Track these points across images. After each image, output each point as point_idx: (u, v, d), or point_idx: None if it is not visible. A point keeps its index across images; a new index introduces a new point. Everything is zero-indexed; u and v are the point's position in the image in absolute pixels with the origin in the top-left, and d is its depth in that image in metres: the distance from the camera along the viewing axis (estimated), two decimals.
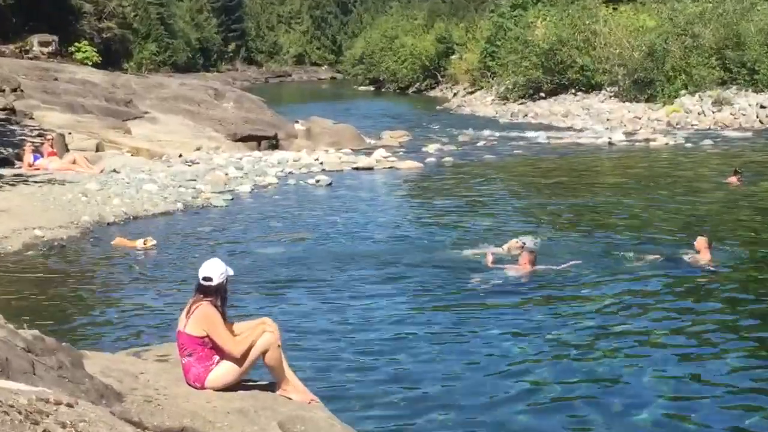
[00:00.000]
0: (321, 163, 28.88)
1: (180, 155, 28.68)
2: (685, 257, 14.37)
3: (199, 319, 7.12)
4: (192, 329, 7.14)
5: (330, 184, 25.09)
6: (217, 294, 7.22)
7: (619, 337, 10.78)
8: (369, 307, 12.44)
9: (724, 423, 8.35)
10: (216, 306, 7.18)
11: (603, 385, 9.26)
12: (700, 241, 14.27)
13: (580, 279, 13.62)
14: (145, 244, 16.54)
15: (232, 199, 22.47)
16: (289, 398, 7.30)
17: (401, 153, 32.16)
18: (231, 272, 7.39)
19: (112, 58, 54.67)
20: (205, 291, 7.21)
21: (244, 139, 32.98)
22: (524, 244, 15.31)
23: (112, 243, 16.75)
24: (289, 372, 7.45)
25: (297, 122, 38.23)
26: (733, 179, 22.56)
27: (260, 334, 7.23)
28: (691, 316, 11.66)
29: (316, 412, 7.11)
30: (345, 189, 24.67)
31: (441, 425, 8.39)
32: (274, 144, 33.68)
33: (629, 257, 14.64)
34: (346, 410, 8.25)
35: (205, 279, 7.20)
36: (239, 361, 7.16)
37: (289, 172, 27.27)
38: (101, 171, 24.02)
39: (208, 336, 7.14)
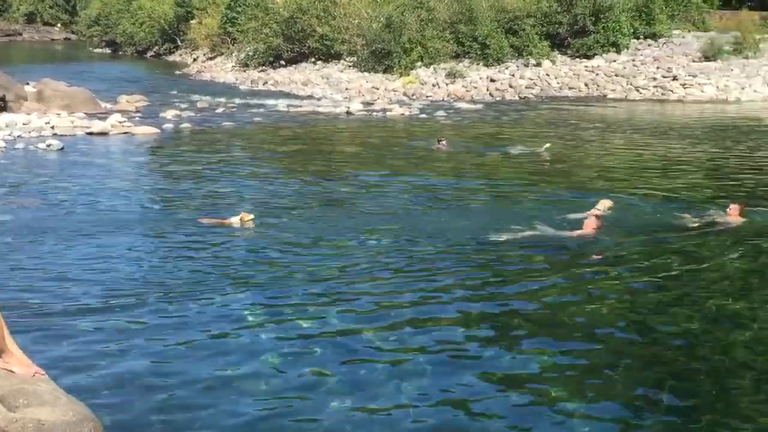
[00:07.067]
0: (52, 127, 27.86)
1: None
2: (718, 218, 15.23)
3: None
4: None
5: (62, 148, 24.22)
6: None
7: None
8: (100, 269, 12.21)
9: None
10: None
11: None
12: (734, 208, 15.19)
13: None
14: (242, 220, 14.94)
15: None
16: (11, 371, 6.99)
17: (137, 118, 31.50)
18: None
19: None
20: None
21: None
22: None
23: (199, 220, 15.19)
24: (11, 344, 7.12)
25: (27, 84, 36.54)
26: (439, 146, 24.87)
27: None
28: None
29: (40, 385, 6.86)
30: (78, 154, 23.86)
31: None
32: (1, 106, 32.01)
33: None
34: (75, 382, 8.03)
35: None
36: None
37: (18, 136, 26.21)
38: None
39: None
